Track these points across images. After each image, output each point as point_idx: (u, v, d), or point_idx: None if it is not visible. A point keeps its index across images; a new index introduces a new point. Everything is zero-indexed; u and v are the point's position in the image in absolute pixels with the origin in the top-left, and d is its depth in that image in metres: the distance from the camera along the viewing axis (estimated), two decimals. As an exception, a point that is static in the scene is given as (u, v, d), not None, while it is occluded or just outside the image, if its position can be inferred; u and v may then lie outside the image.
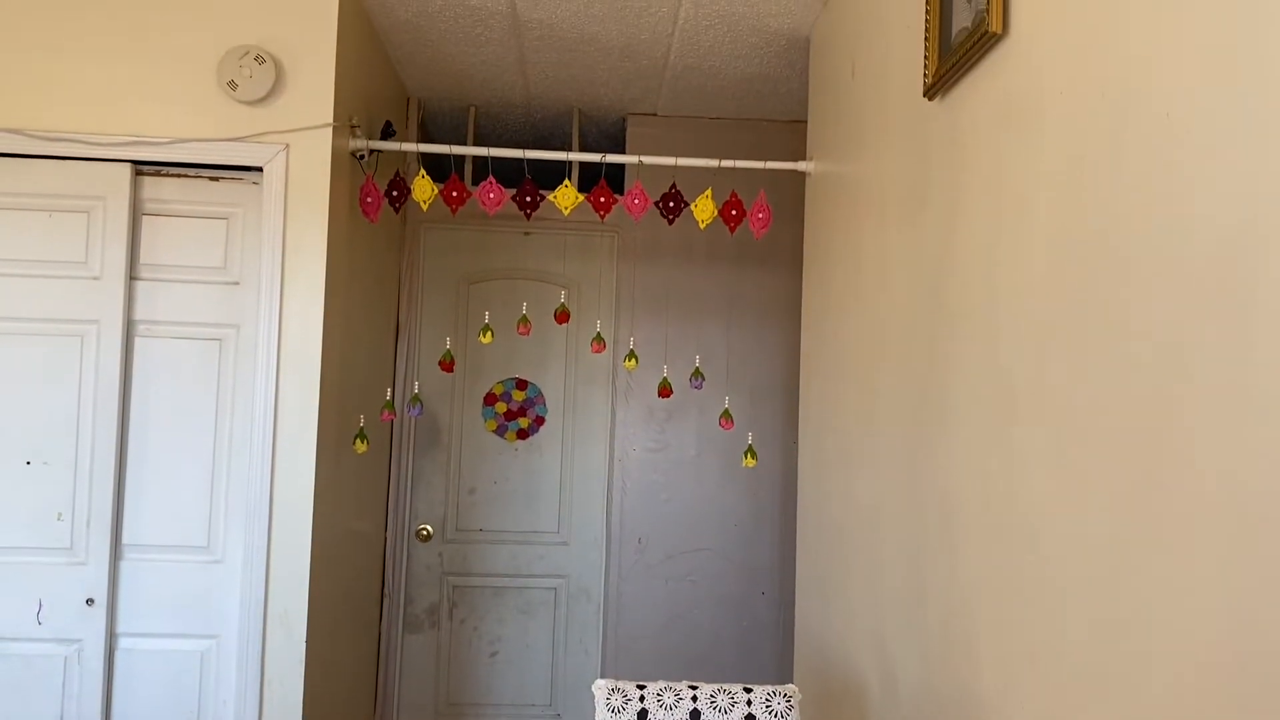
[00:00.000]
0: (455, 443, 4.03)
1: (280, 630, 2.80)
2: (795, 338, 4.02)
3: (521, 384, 4.04)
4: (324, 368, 2.87)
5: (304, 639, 2.79)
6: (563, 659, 4.01)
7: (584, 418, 4.06)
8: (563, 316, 3.09)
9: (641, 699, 2.03)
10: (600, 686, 2.04)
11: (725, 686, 2.07)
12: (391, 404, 3.04)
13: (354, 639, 3.50)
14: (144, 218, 2.86)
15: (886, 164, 2.31)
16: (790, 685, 2.08)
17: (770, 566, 3.99)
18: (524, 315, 3.06)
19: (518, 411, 4.03)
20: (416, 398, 3.05)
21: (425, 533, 3.98)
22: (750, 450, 3.06)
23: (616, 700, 2.02)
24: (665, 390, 3.09)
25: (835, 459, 2.68)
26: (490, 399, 4.03)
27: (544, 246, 4.08)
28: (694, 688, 2.05)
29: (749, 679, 3.95)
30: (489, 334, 3.05)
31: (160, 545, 2.82)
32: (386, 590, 3.94)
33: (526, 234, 4.08)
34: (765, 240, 4.02)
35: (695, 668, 3.94)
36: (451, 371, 3.06)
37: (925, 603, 1.96)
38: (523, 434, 4.03)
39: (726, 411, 3.07)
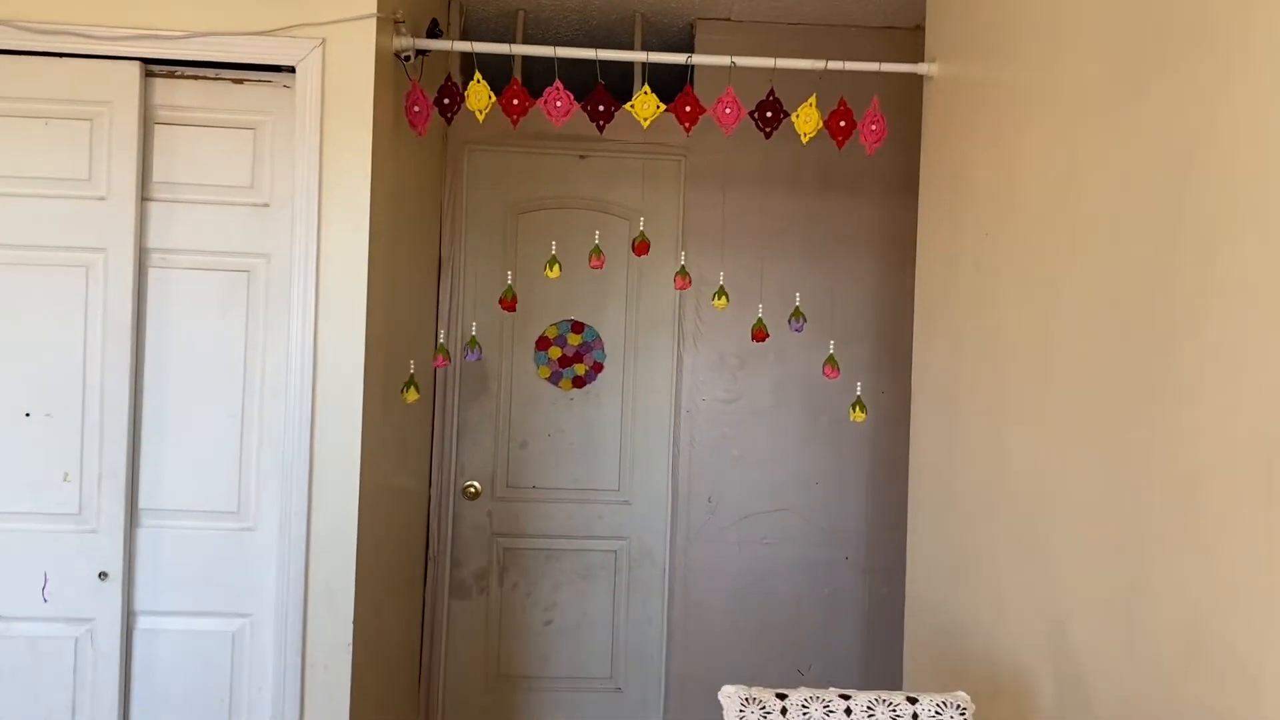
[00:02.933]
0: (504, 391, 3.62)
1: (324, 608, 2.42)
2: (885, 275, 3.59)
3: (577, 327, 3.63)
4: (369, 304, 2.45)
5: (351, 618, 2.42)
6: (624, 628, 3.64)
7: (646, 365, 3.65)
8: (642, 247, 2.66)
9: (783, 711, 1.64)
10: (731, 695, 1.66)
11: (883, 695, 1.68)
12: (445, 348, 2.63)
13: (399, 609, 3.13)
14: (156, 127, 2.43)
15: (1068, 52, 1.86)
16: (960, 694, 1.69)
17: (856, 529, 3.60)
18: (596, 246, 2.64)
19: (573, 357, 3.63)
20: (474, 341, 2.63)
21: (473, 490, 3.59)
22: (859, 403, 2.65)
23: (752, 712, 1.64)
24: (760, 333, 2.68)
25: (973, 417, 2.26)
26: (543, 343, 3.62)
27: (602, 171, 3.63)
28: (846, 696, 1.67)
29: (831, 651, 3.59)
30: (556, 267, 2.63)
31: (183, 510, 2.43)
32: (431, 553, 3.57)
33: (582, 157, 3.63)
34: (851, 167, 3.58)
35: (770, 639, 3.57)
36: (514, 310, 2.64)
37: (1146, 602, 1.56)
38: (579, 382, 3.63)
39: (832, 358, 2.66)
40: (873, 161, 3.54)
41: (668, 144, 3.60)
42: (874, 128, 2.64)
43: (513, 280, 2.65)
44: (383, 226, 2.59)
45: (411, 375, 2.64)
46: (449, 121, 2.65)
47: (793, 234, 3.58)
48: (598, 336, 3.63)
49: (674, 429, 3.62)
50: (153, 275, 2.42)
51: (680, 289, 2.66)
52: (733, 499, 3.59)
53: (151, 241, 2.42)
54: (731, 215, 3.59)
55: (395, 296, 2.82)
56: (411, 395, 2.64)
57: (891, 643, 3.56)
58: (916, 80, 2.73)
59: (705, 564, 3.58)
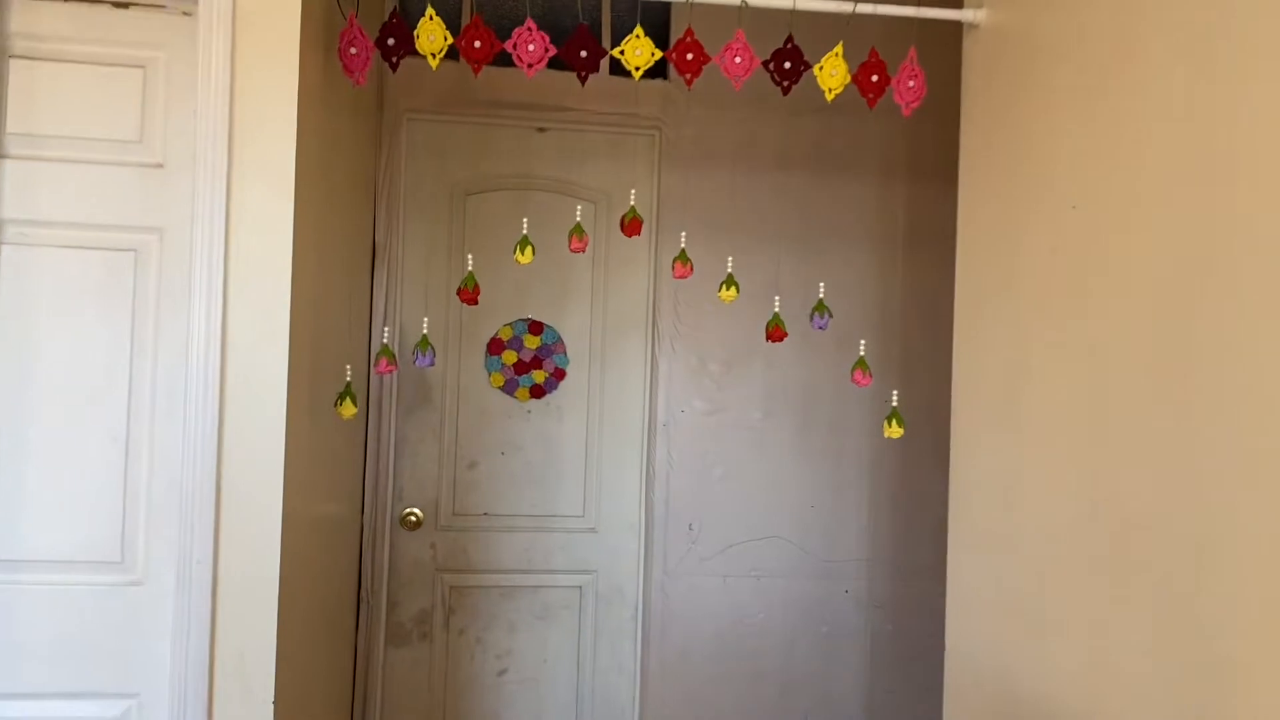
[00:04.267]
0: (451, 403, 3.10)
1: (234, 681, 1.88)
2: (889, 266, 3.17)
3: (535, 327, 3.13)
4: (294, 295, 1.93)
5: (271, 697, 1.88)
6: (591, 677, 3.14)
7: (616, 371, 3.17)
8: (633, 226, 2.18)
9: None
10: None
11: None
12: (390, 350, 2.11)
13: (326, 663, 2.58)
14: (12, 62, 1.87)
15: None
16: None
17: (856, 558, 3.16)
18: (578, 225, 2.15)
19: (531, 363, 3.12)
20: (426, 341, 2.12)
21: (414, 518, 3.06)
22: (895, 416, 2.21)
23: None
24: (777, 333, 2.21)
25: (1052, 438, 1.83)
26: (495, 346, 3.11)
27: (565, 147, 3.14)
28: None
29: (831, 700, 3.14)
30: (528, 250, 2.13)
31: (45, 560, 1.87)
32: (364, 594, 3.02)
33: (541, 129, 3.14)
34: (848, 143, 3.15)
35: (761, 686, 3.12)
36: (475, 303, 2.13)
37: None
38: (537, 391, 3.12)
39: (863, 361, 2.21)
40: (871, 137, 3.13)
41: (640, 115, 3.13)
42: (912, 84, 2.21)
43: (472, 264, 2.14)
44: (311, 198, 2.07)
45: (348, 384, 2.11)
46: (394, 67, 2.13)
47: (782, 219, 3.14)
48: (559, 338, 3.13)
49: (648, 445, 3.14)
50: (7, 255, 1.86)
51: (680, 278, 2.19)
52: (716, 526, 3.12)
53: (6, 211, 1.85)
54: (713, 197, 3.13)
55: (325, 288, 2.29)
56: (349, 409, 2.11)
57: (899, 688, 3.13)
58: (941, 39, 2.31)
59: (685, 601, 3.11)
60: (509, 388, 3.11)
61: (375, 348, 3.02)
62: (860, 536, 3.17)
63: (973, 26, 2.22)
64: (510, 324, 3.11)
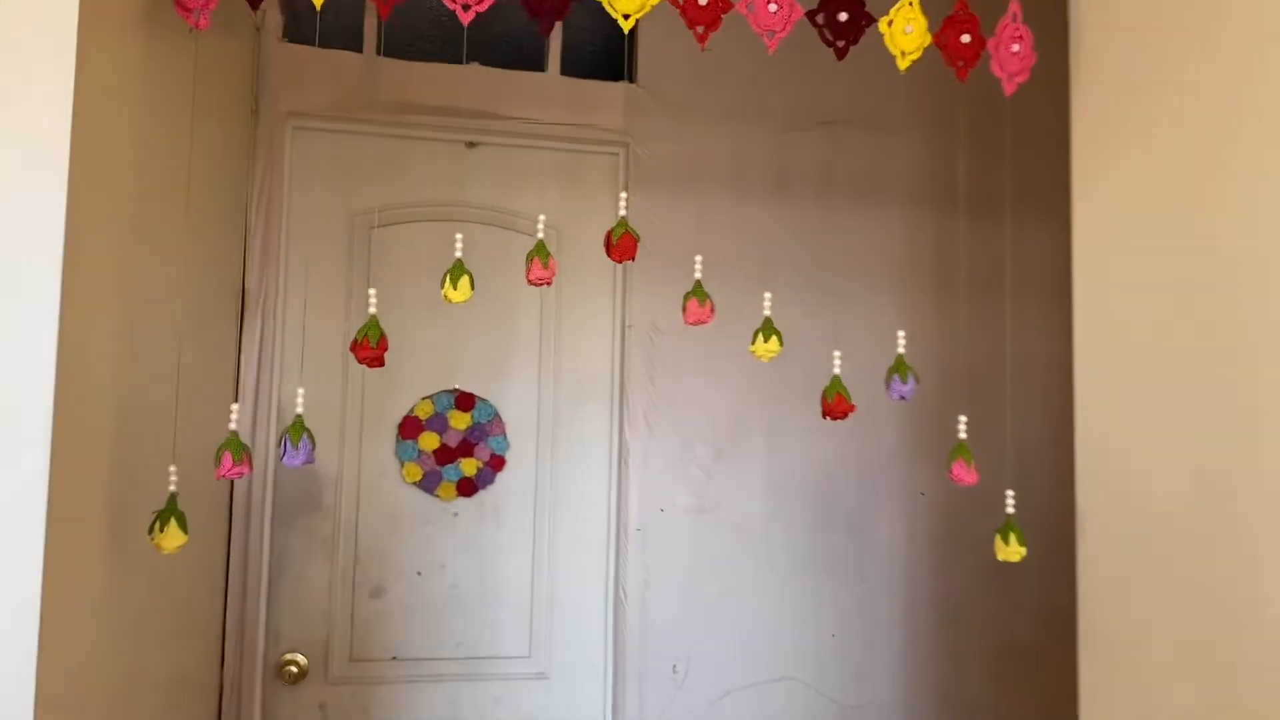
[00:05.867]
0: (348, 505, 2.29)
1: None
2: (918, 313, 2.48)
3: (465, 401, 2.34)
4: (67, 361, 1.13)
5: None
6: None
7: (573, 458, 2.39)
8: (626, 246, 1.44)
9: None
10: None
11: None
12: (239, 443, 1.31)
13: None
14: None
15: None
16: None
17: (891, 701, 2.40)
18: (540, 244, 1.40)
19: (458, 448, 2.33)
20: (300, 427, 1.32)
21: (295, 669, 2.21)
22: (1011, 527, 1.47)
23: None
24: (840, 405, 1.47)
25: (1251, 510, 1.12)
26: (410, 428, 2.31)
27: (501, 167, 2.40)
28: None
29: None
30: (463, 283, 1.37)
31: None
32: (220, 782, 2.15)
33: (472, 144, 2.40)
34: (863, 161, 2.48)
35: None
36: (379, 363, 1.35)
37: None
38: (467, 487, 2.33)
39: (964, 448, 1.48)
40: (889, 153, 2.47)
41: (600, 127, 2.42)
42: (1016, 49, 1.53)
43: (375, 305, 1.36)
44: (114, 202, 1.29)
45: (172, 499, 1.30)
46: (255, 6, 1.38)
47: (779, 258, 2.43)
48: (496, 415, 2.35)
49: (616, 558, 2.36)
50: None
51: (695, 323, 1.44)
52: (709, 665, 2.34)
53: None
54: (693, 230, 2.42)
55: (147, 353, 1.48)
56: (172, 538, 1.30)
57: None
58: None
59: (669, 769, 2.31)
60: (428, 483, 2.31)
61: (247, 430, 2.20)
62: (895, 672, 2.41)
63: (1096, -32, 1.55)
64: (430, 397, 2.33)
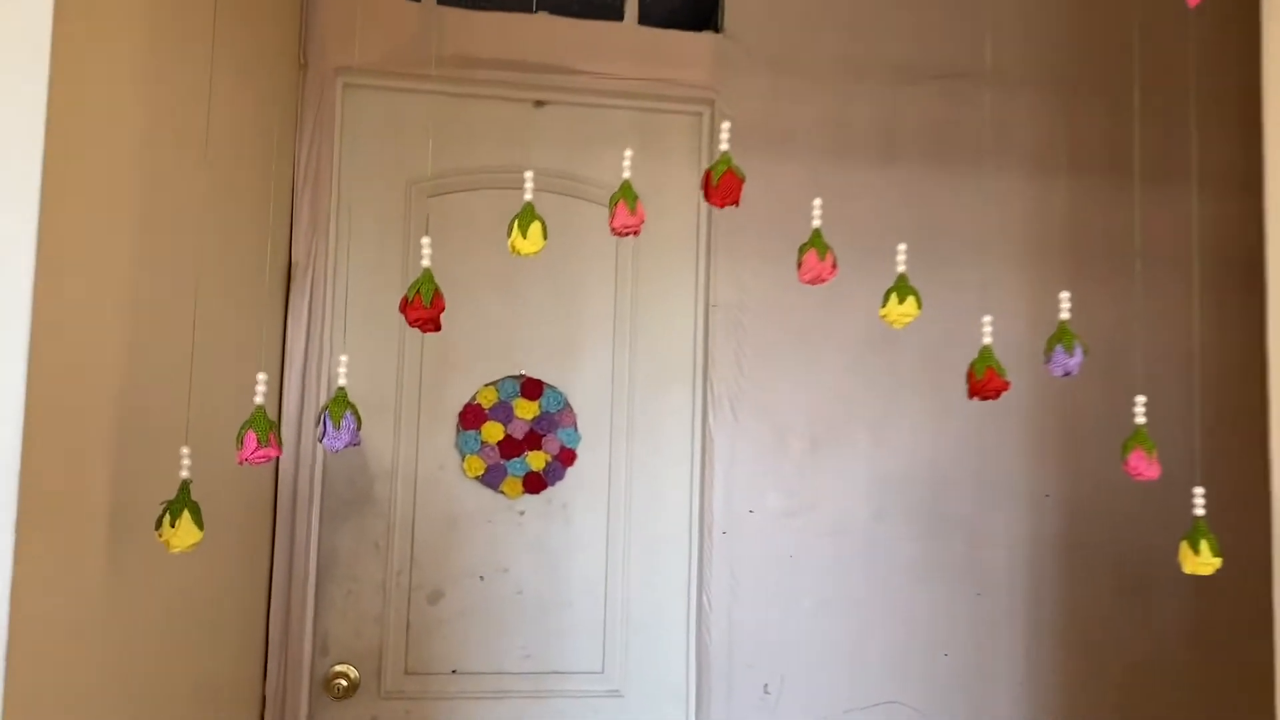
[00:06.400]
0: (404, 501, 2.07)
1: None
2: (1050, 293, 2.18)
3: (532, 388, 2.11)
4: (41, 332, 0.91)
5: None
6: None
7: (650, 451, 2.15)
8: (728, 186, 1.18)
9: None
10: None
11: None
12: (265, 420, 1.08)
13: None
14: None
15: None
16: None
17: (1013, 732, 2.12)
18: (625, 187, 1.16)
19: (525, 440, 2.10)
20: (343, 401, 1.09)
21: (345, 682, 2.00)
22: (1202, 534, 1.19)
23: None
24: (992, 381, 1.20)
25: None
26: (472, 417, 2.09)
27: (572, 129, 2.17)
28: None
29: None
30: (534, 230, 1.14)
31: None
32: (262, 806, 1.95)
33: (539, 103, 2.17)
34: (989, 118, 2.21)
35: None
36: (435, 327, 1.12)
37: None
38: (534, 483, 2.10)
39: (1142, 436, 1.20)
40: (1014, 111, 2.19)
41: (682, 83, 2.17)
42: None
43: (429, 257, 1.13)
44: (113, 153, 1.07)
45: (184, 488, 1.08)
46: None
47: (889, 230, 2.16)
48: (565, 404, 2.12)
49: (699, 564, 2.11)
50: None
51: (813, 281, 1.18)
52: (805, 686, 2.07)
53: None
54: (789, 198, 2.16)
55: (162, 324, 1.28)
56: (182, 535, 1.08)
57: None
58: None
59: (759, 802, 2.05)
60: (492, 478, 2.08)
61: (294, 415, 2.00)
62: (1016, 698, 2.12)
63: None
64: (494, 384, 2.10)
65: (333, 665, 2.01)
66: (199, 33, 1.37)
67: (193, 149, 1.35)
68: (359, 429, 1.12)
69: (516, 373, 2.12)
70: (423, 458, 2.08)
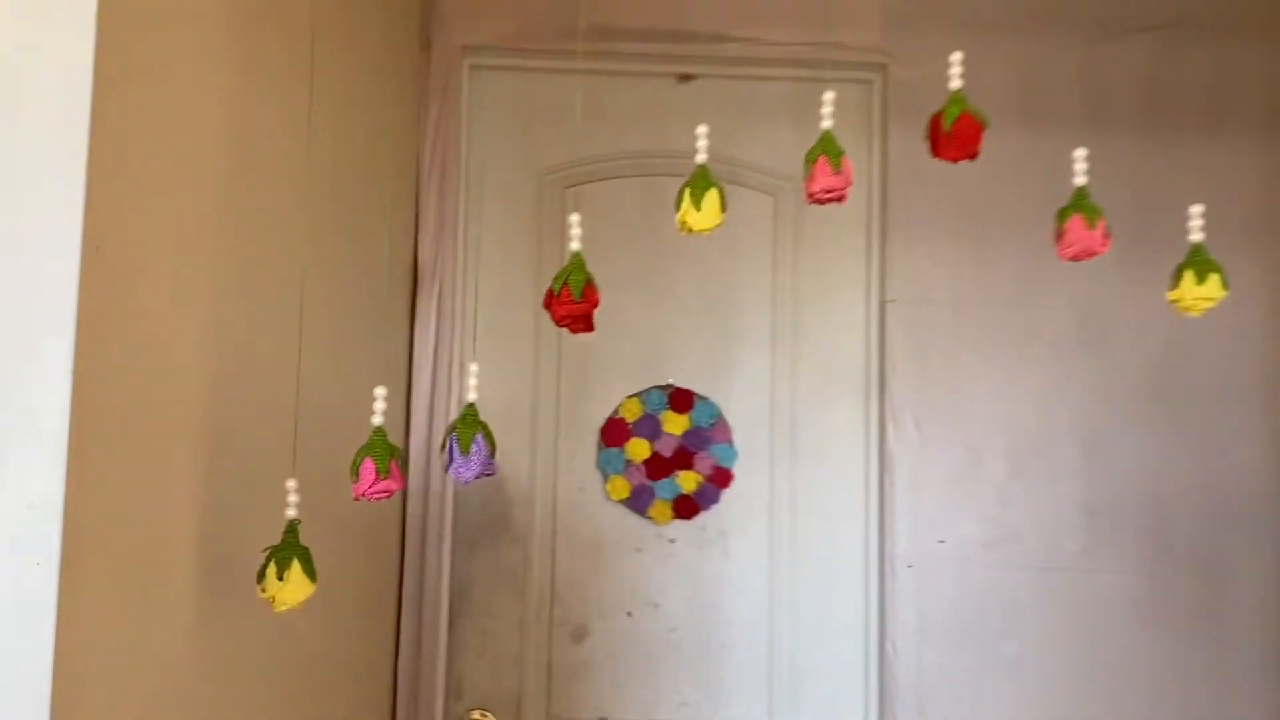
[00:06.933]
0: (543, 528, 1.86)
1: None
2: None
3: (681, 400, 1.87)
4: (109, 345, 0.71)
5: None
6: None
7: (818, 471, 1.88)
8: (966, 130, 0.92)
9: None
10: None
11: None
12: (385, 446, 0.87)
13: None
14: None
15: None
16: None
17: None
18: (826, 138, 0.90)
19: (674, 459, 1.86)
20: (472, 421, 0.87)
21: (479, 732, 1.80)
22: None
23: None
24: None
25: None
26: (616, 432, 1.86)
27: (722, 104, 1.92)
28: None
29: None
30: (710, 200, 0.90)
31: None
32: None
33: (685, 77, 1.93)
34: (1214, 74, 1.87)
35: None
36: (584, 325, 0.90)
37: None
38: (686, 507, 1.85)
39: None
40: (1244, 65, 1.84)
41: (848, 45, 1.89)
42: None
43: (579, 239, 0.90)
44: (215, 148, 0.88)
45: (290, 531, 0.87)
46: None
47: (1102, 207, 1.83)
48: (719, 417, 1.87)
49: (880, 600, 1.82)
50: None
51: (1081, 256, 0.90)
52: (1010, 747, 1.77)
53: None
54: (974, 176, 1.85)
55: (269, 327, 1.08)
56: (292, 589, 0.88)
57: None
58: None
59: None
60: (639, 501, 1.85)
61: (422, 435, 1.80)
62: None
63: None
64: (638, 395, 1.87)
65: (468, 709, 1.80)
66: (296, 12, 1.17)
67: (296, 139, 1.16)
68: (493, 455, 0.90)
69: (664, 382, 1.88)
70: (562, 479, 1.86)
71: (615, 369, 1.88)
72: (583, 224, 1.87)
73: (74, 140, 0.69)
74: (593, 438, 1.86)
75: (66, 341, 0.68)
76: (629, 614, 1.84)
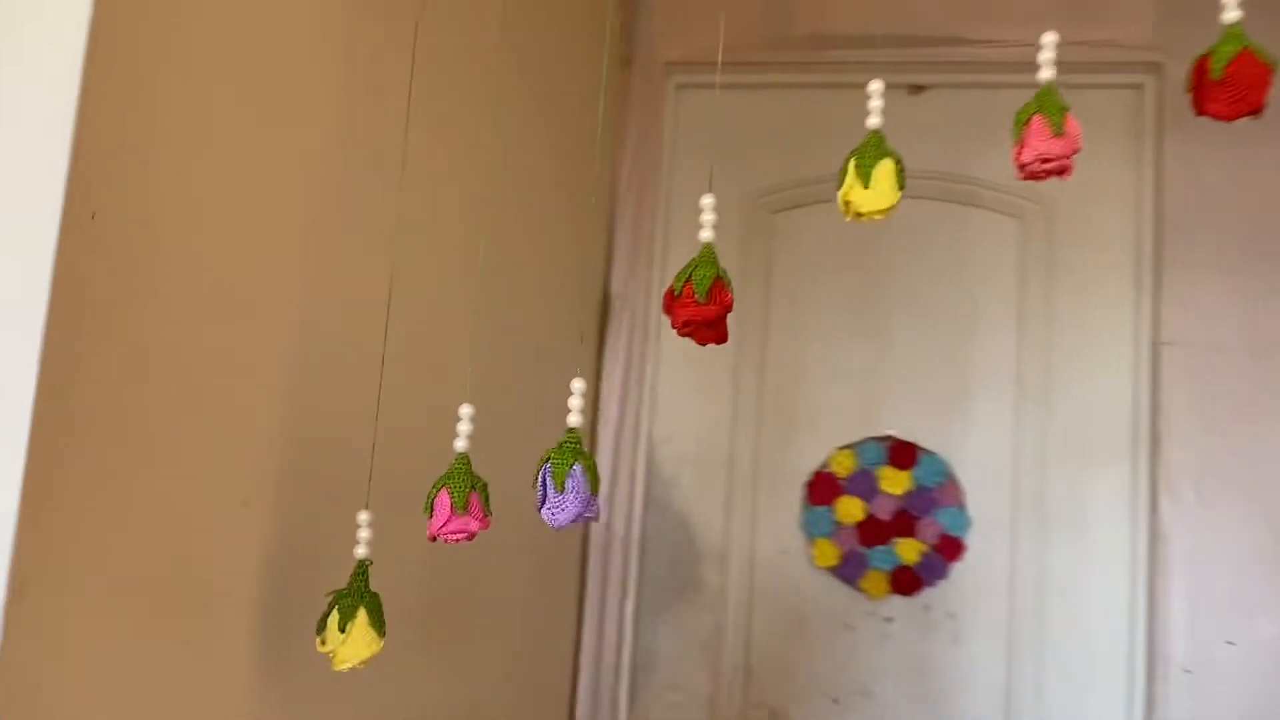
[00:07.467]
0: (736, 592, 1.65)
1: None
2: None
3: (903, 453, 1.62)
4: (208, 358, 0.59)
5: None
6: None
7: (1070, 544, 1.57)
8: (1244, 78, 0.64)
9: None
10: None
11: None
12: (467, 474, 0.70)
13: None
14: None
15: None
16: None
17: None
18: (1048, 92, 0.66)
19: (894, 522, 1.60)
20: (572, 450, 0.70)
21: (658, 824, 1.58)
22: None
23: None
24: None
25: None
26: (823, 489, 1.63)
27: (957, 118, 1.68)
28: None
29: None
30: (883, 173, 0.68)
31: None
32: None
33: (916, 89, 1.71)
34: None
35: None
36: (711, 335, 0.72)
37: None
38: (906, 580, 1.59)
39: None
40: None
41: (1114, 44, 1.61)
42: None
43: (711, 224, 0.71)
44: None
45: (359, 574, 0.72)
46: None
47: None
48: (948, 476, 1.60)
49: (1148, 710, 1.48)
50: None
51: None
52: None
53: None
54: (1269, 191, 1.52)
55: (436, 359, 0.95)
56: (356, 645, 0.72)
57: None
58: None
59: None
60: (849, 570, 1.60)
61: (609, 472, 1.64)
62: None
63: None
64: (852, 447, 1.63)
65: (647, 797, 1.60)
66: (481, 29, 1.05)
67: (474, 160, 1.03)
68: (594, 493, 0.71)
69: (882, 433, 1.63)
70: (761, 538, 1.65)
71: (825, 415, 1.65)
72: (789, 252, 1.67)
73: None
74: (797, 493, 1.64)
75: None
76: (835, 700, 1.58)
